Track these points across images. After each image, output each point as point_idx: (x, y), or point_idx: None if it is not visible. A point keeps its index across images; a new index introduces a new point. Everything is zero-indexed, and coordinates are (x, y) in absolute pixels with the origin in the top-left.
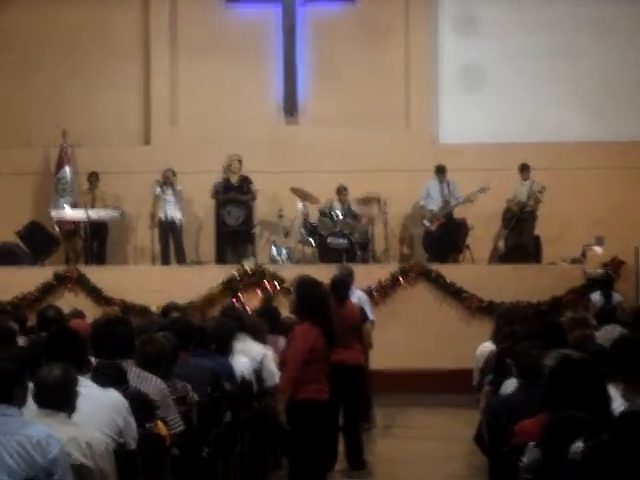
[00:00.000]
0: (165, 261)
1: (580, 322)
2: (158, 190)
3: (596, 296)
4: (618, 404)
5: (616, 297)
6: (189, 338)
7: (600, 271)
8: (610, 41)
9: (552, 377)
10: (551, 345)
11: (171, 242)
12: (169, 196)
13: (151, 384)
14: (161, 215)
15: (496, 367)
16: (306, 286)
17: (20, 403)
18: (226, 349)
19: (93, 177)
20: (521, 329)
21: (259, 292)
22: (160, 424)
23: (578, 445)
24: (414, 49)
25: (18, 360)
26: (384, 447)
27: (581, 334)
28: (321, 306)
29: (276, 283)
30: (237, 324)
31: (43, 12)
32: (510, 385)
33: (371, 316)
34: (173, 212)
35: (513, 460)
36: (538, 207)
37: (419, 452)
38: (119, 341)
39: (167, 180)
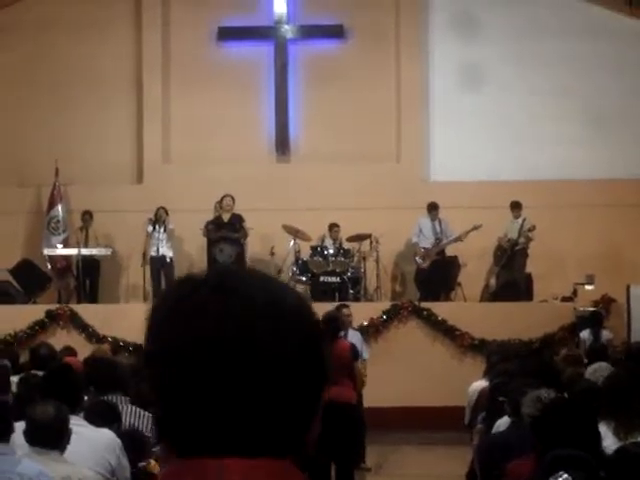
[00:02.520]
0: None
1: (573, 360)
2: (150, 228)
3: (585, 334)
4: (609, 442)
5: (605, 334)
6: None
7: (590, 309)
8: (606, 78)
9: (540, 420)
10: (544, 383)
11: (163, 280)
12: (161, 234)
13: (147, 421)
14: (153, 253)
15: (489, 405)
16: None
17: (8, 440)
18: None
19: (86, 215)
20: (514, 367)
21: None
22: (153, 463)
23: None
24: (405, 87)
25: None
26: None
27: (574, 372)
28: None
29: None
30: None
31: (35, 48)
32: (503, 423)
33: (365, 354)
34: (165, 250)
35: None
36: (529, 245)
37: None
38: (114, 378)
39: (159, 218)
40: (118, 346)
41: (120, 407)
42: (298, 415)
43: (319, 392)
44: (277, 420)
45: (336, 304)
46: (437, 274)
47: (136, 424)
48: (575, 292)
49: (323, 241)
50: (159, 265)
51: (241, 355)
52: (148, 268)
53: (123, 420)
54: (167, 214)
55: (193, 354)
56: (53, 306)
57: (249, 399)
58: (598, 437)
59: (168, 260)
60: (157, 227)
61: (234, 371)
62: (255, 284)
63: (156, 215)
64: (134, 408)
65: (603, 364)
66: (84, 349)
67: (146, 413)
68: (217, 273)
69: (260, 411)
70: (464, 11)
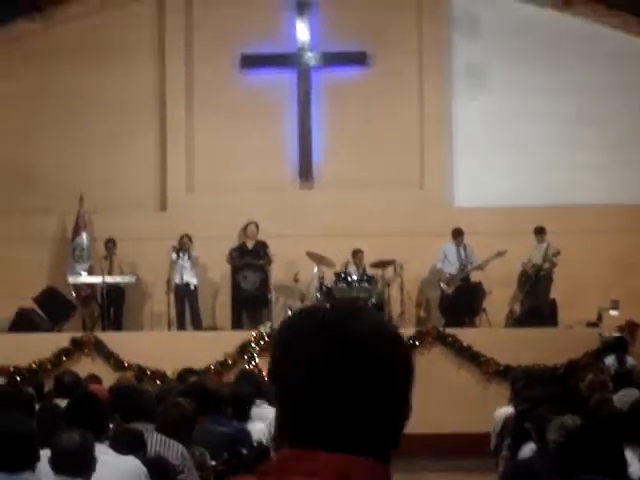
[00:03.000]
0: (181, 326)
1: (599, 385)
2: (174, 256)
3: (610, 360)
4: (635, 468)
5: (630, 361)
6: (206, 403)
7: (614, 335)
8: (627, 104)
9: (567, 444)
10: (569, 409)
11: (187, 307)
12: (185, 262)
13: (172, 449)
14: (177, 280)
15: (514, 431)
16: None
17: (33, 469)
18: (243, 415)
19: (110, 243)
20: (539, 393)
21: None
22: None
23: None
24: (428, 113)
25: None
26: None
27: (600, 398)
28: None
29: None
30: (254, 389)
31: (58, 75)
32: (528, 449)
33: None
34: (189, 277)
35: None
36: (554, 270)
37: None
38: (139, 406)
39: (183, 246)
40: (143, 374)
41: (145, 435)
42: (391, 420)
43: (407, 406)
44: (376, 420)
45: None
46: (462, 300)
47: (161, 452)
48: (600, 317)
49: (347, 267)
50: (183, 292)
51: (354, 369)
52: (172, 295)
53: (148, 448)
54: (191, 241)
55: (323, 352)
56: (78, 334)
57: (353, 404)
58: (624, 463)
59: (192, 288)
60: (181, 255)
61: (346, 380)
62: (364, 317)
63: (180, 243)
64: (159, 436)
65: (633, 390)
66: (109, 377)
67: (171, 441)
68: (339, 306)
69: (361, 414)
70: (487, 38)
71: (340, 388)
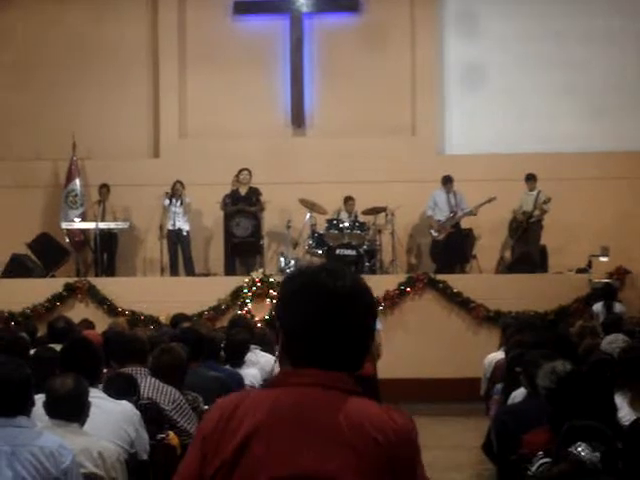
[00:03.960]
0: (174, 272)
1: (590, 331)
2: (167, 202)
3: (598, 306)
4: (625, 413)
5: (618, 307)
6: (199, 349)
7: (605, 281)
8: (622, 51)
9: (558, 390)
10: (560, 355)
11: (180, 253)
12: (177, 208)
13: (165, 394)
14: (169, 227)
15: (505, 376)
16: None
17: (29, 413)
18: (237, 360)
19: (104, 189)
20: (529, 338)
21: (267, 303)
22: (172, 435)
23: (589, 451)
24: (420, 60)
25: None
26: None
27: (590, 343)
28: None
29: None
30: (248, 335)
31: (52, 25)
32: (519, 394)
33: (379, 325)
34: (181, 223)
35: (521, 469)
36: (544, 217)
37: (427, 461)
38: (132, 350)
39: (176, 192)
40: (136, 319)
41: (139, 379)
42: (359, 348)
43: (371, 335)
44: (362, 348)
45: None
46: (452, 247)
47: (154, 395)
48: (590, 264)
49: (339, 214)
50: (175, 238)
51: (337, 314)
52: (165, 241)
53: (141, 392)
54: (183, 188)
55: (316, 301)
56: (71, 279)
57: (336, 338)
58: (614, 408)
59: (185, 233)
60: (174, 201)
61: (332, 321)
62: (346, 276)
63: (173, 189)
64: (152, 379)
65: (619, 336)
66: (102, 322)
67: (164, 385)
68: (328, 267)
69: (342, 342)
70: None
71: (328, 327)
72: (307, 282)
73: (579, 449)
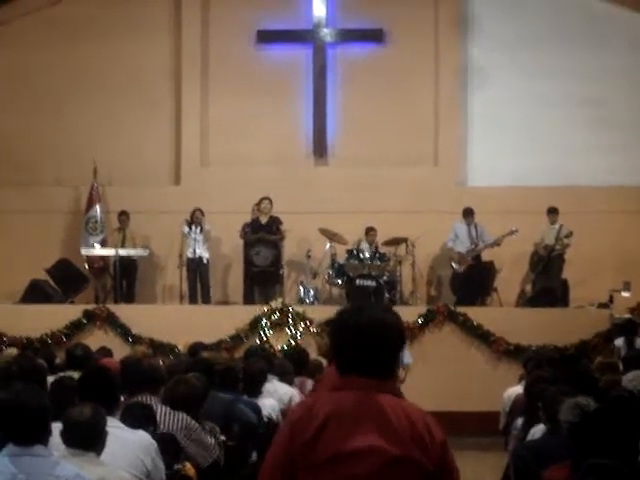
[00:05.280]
0: (193, 300)
1: (609, 367)
2: (186, 229)
3: (620, 342)
4: None
5: (639, 342)
6: (217, 379)
7: (625, 316)
8: (636, 89)
9: (579, 427)
10: (580, 390)
11: (198, 281)
12: (197, 235)
13: (177, 418)
14: (189, 254)
15: (525, 411)
16: None
17: (46, 442)
18: (255, 390)
19: (123, 216)
20: (550, 373)
21: (286, 333)
22: (188, 465)
23: None
24: (443, 91)
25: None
26: None
27: (611, 379)
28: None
29: (303, 324)
30: (266, 365)
31: (74, 50)
32: (539, 430)
33: (406, 359)
34: (201, 251)
35: None
36: (566, 251)
37: None
38: (149, 380)
39: (195, 219)
40: (154, 347)
41: (154, 408)
42: (392, 361)
43: (398, 352)
44: (387, 363)
45: None
46: (473, 279)
47: (166, 421)
48: (611, 299)
49: (359, 245)
50: (195, 266)
51: (377, 336)
52: (184, 269)
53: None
54: (203, 215)
55: (358, 333)
56: (90, 306)
57: (377, 353)
58: (637, 448)
59: (205, 261)
60: (193, 228)
61: (374, 341)
62: (373, 308)
63: (192, 216)
64: (164, 407)
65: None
66: (120, 349)
67: (177, 412)
68: (371, 305)
69: (381, 358)
70: (503, 19)
71: (371, 349)
72: (351, 318)
73: None
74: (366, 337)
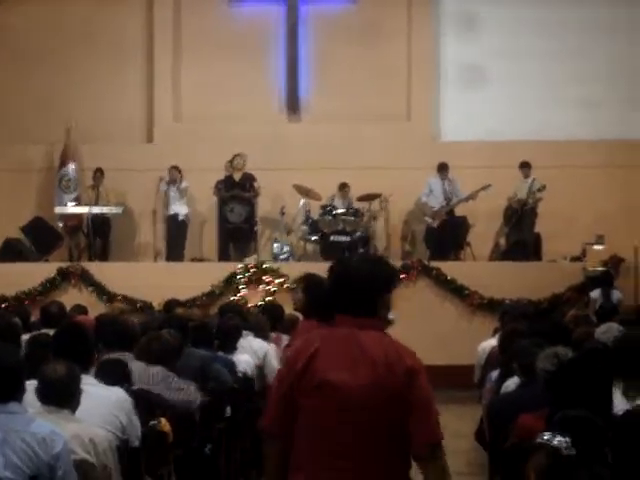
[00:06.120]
0: (171, 257)
1: (583, 320)
2: (164, 187)
3: (595, 294)
4: (617, 402)
5: (615, 294)
6: (191, 335)
7: (600, 269)
8: (615, 41)
9: (555, 376)
10: (554, 343)
11: (175, 237)
12: (174, 192)
13: (153, 374)
14: (167, 212)
15: (500, 364)
16: (314, 283)
17: (20, 400)
18: (230, 346)
19: (98, 173)
20: (524, 326)
21: (261, 289)
22: (163, 421)
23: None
24: (415, 47)
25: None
26: None
27: (584, 332)
28: (329, 304)
29: (278, 281)
30: (240, 321)
31: (48, 11)
32: (512, 383)
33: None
34: (178, 208)
35: (514, 456)
36: (539, 205)
37: None
38: (123, 336)
39: (172, 177)
40: (129, 304)
41: (129, 364)
42: (374, 302)
43: (384, 295)
44: (372, 302)
45: None
46: (447, 234)
47: (141, 373)
48: (584, 252)
49: (333, 200)
50: (173, 225)
51: (366, 280)
52: (159, 227)
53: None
54: (180, 172)
55: (350, 278)
56: (64, 264)
57: (365, 296)
58: (611, 398)
59: (181, 218)
60: (170, 186)
61: (362, 285)
62: (376, 258)
63: (170, 174)
64: (138, 363)
65: (613, 324)
66: (95, 307)
67: (150, 366)
68: (364, 255)
69: (368, 301)
70: None
71: (354, 292)
72: (345, 265)
73: (545, 437)
74: (355, 283)
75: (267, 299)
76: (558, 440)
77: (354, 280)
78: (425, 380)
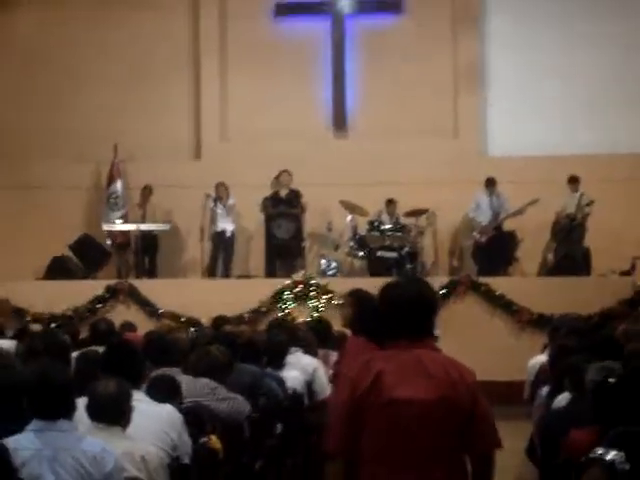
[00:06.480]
0: (212, 274)
1: (634, 335)
2: (211, 204)
3: None
4: None
5: None
6: (240, 351)
7: None
8: None
9: (607, 391)
10: (604, 359)
11: (221, 254)
12: (221, 209)
13: (201, 386)
14: (216, 228)
15: (550, 380)
16: (362, 299)
17: (71, 417)
18: (278, 362)
19: (146, 190)
20: (574, 342)
21: (308, 305)
22: (214, 438)
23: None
24: (462, 60)
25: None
26: None
27: (635, 347)
28: (378, 320)
29: (325, 296)
30: (288, 337)
31: (94, 25)
32: (563, 398)
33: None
34: (225, 225)
35: (565, 472)
36: (587, 219)
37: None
38: (172, 352)
39: (219, 193)
40: (177, 321)
41: (178, 379)
42: (429, 323)
43: (434, 315)
44: (426, 323)
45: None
46: (495, 249)
47: (190, 385)
48: (634, 266)
49: (380, 216)
50: (219, 240)
51: (418, 304)
52: (206, 243)
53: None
54: (227, 189)
55: (403, 303)
56: (112, 281)
57: (419, 319)
58: None
59: (229, 234)
60: (217, 203)
61: (415, 309)
62: (413, 281)
63: (217, 190)
64: (185, 376)
65: None
66: (143, 324)
67: (198, 379)
68: (410, 279)
69: (420, 322)
70: None
71: (412, 316)
72: (397, 288)
73: (599, 452)
74: (408, 307)
75: (315, 315)
76: (613, 455)
77: (408, 304)
78: (482, 393)
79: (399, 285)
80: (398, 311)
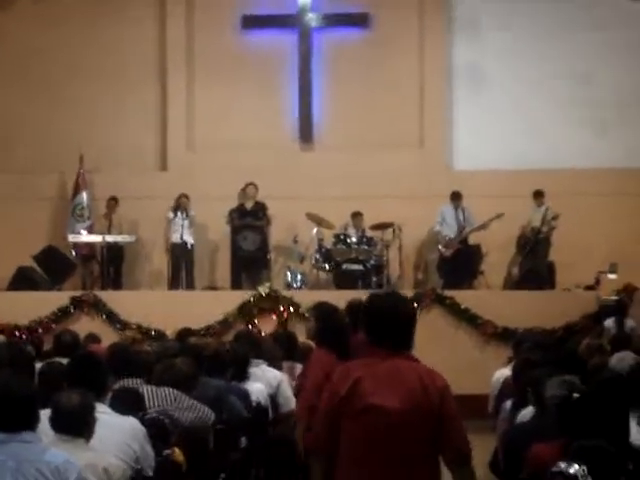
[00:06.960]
0: (174, 286)
1: (597, 349)
2: (171, 215)
3: (609, 322)
4: (634, 432)
5: (629, 323)
6: (205, 364)
7: (614, 298)
8: (629, 67)
9: (570, 406)
10: (568, 373)
11: (183, 266)
12: (183, 220)
13: (164, 396)
14: (174, 240)
15: (514, 394)
16: (326, 312)
17: (34, 429)
18: (242, 375)
19: (112, 201)
20: (538, 356)
21: (274, 317)
22: (177, 451)
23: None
24: (428, 75)
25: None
26: None
27: (598, 361)
28: (341, 333)
29: (291, 308)
30: (253, 350)
31: (58, 34)
32: (528, 413)
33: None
34: (186, 237)
35: None
36: (552, 233)
37: None
38: (135, 364)
39: (181, 205)
40: (142, 333)
41: (141, 390)
42: (409, 336)
43: (413, 329)
44: (405, 338)
45: (359, 292)
46: (460, 262)
47: (153, 397)
48: (598, 281)
49: (346, 229)
50: (179, 252)
51: (397, 316)
52: (164, 255)
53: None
54: (188, 200)
55: (385, 315)
56: (78, 293)
57: (398, 330)
58: (628, 428)
59: (189, 247)
60: (179, 214)
61: (395, 321)
62: (396, 295)
63: (177, 201)
64: (149, 387)
65: (628, 353)
66: (108, 336)
67: (161, 388)
68: (393, 293)
69: (401, 334)
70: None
71: (392, 328)
72: (379, 301)
73: (562, 466)
74: (389, 319)
75: (280, 328)
76: (574, 469)
77: (391, 317)
78: (452, 397)
79: (383, 298)
80: (381, 322)
